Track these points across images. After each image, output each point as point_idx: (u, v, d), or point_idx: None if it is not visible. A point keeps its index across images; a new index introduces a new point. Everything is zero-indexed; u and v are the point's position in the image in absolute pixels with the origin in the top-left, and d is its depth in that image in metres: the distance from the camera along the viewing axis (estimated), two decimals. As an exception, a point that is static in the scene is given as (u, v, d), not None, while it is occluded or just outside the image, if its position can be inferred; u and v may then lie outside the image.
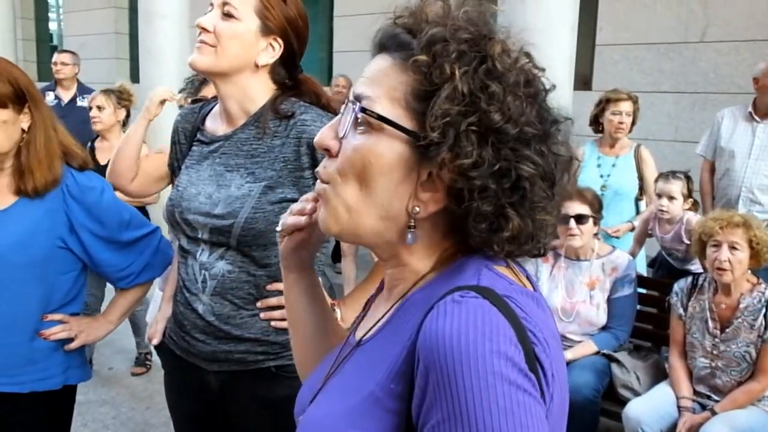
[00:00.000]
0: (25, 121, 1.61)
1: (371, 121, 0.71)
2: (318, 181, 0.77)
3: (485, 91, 0.67)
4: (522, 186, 0.68)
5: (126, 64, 11.58)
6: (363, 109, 0.71)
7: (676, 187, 3.26)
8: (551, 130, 0.72)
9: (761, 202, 3.66)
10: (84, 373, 1.85)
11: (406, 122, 0.70)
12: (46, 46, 12.80)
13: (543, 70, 0.74)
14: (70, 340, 1.75)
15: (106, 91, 3.76)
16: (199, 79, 2.49)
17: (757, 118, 3.66)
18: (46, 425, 1.75)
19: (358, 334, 0.82)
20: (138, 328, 3.74)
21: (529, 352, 0.62)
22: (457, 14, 0.71)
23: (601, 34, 6.50)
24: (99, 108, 3.67)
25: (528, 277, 0.77)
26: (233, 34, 1.38)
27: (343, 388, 0.75)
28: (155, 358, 4.01)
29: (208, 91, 2.30)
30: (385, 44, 0.75)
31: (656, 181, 3.36)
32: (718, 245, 2.51)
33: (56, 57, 5.41)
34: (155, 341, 1.59)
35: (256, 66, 1.41)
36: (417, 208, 0.71)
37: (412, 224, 0.71)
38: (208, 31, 1.38)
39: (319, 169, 0.77)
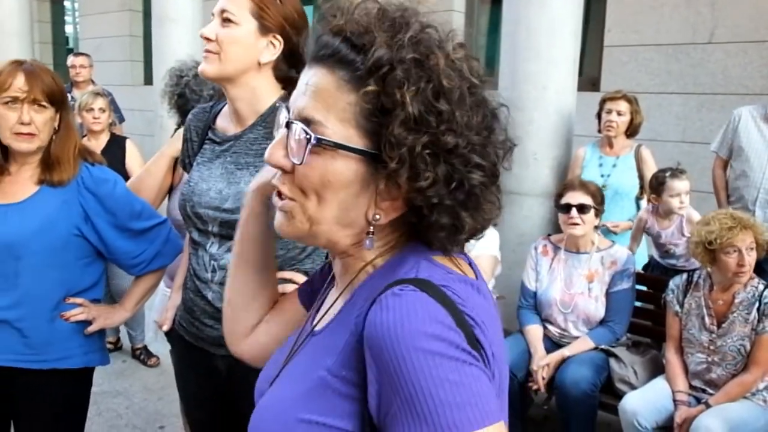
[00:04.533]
0: (56, 121, 1.79)
1: (326, 147, 0.73)
2: (276, 195, 0.80)
3: (434, 112, 0.70)
4: (473, 193, 0.73)
5: (140, 67, 11.75)
6: (318, 139, 0.72)
7: (686, 184, 3.32)
8: (494, 126, 0.75)
9: None
10: (103, 358, 1.97)
11: (359, 141, 0.72)
12: (62, 48, 13.01)
13: (477, 60, 0.75)
14: (89, 324, 1.87)
15: (104, 95, 3.90)
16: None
17: None
18: (65, 402, 1.87)
19: (315, 322, 0.86)
20: (134, 321, 3.85)
21: (469, 335, 0.67)
22: (398, 25, 0.72)
23: (609, 35, 6.55)
24: (102, 110, 3.80)
25: (470, 264, 0.82)
26: (233, 38, 1.46)
27: (295, 374, 0.80)
28: (167, 351, 4.14)
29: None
30: (323, 56, 0.75)
31: (658, 177, 3.38)
32: (737, 251, 2.54)
33: (73, 60, 5.55)
34: (165, 327, 1.69)
35: (259, 64, 1.49)
36: (378, 216, 0.75)
37: (371, 231, 0.76)
38: (211, 40, 1.48)
39: (276, 183, 0.79)
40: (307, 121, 0.74)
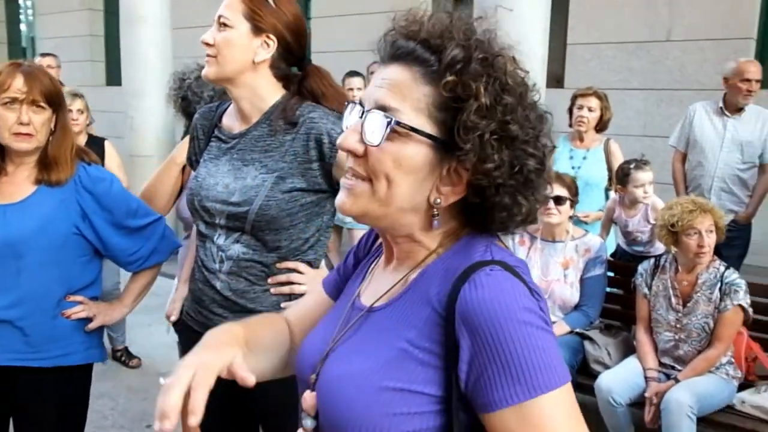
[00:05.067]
0: (53, 121, 1.82)
1: (399, 130, 0.82)
2: (346, 176, 0.88)
3: (501, 104, 0.80)
4: (530, 178, 0.84)
5: (101, 67, 11.59)
6: (397, 122, 0.82)
7: (650, 175, 3.50)
8: (543, 129, 0.87)
9: (732, 191, 3.93)
10: (103, 354, 2.01)
11: (430, 129, 0.82)
12: (17, 48, 12.75)
13: (528, 72, 0.87)
14: (90, 321, 1.91)
15: (82, 96, 3.88)
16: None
17: (727, 113, 3.91)
18: (68, 399, 1.91)
19: (366, 301, 0.93)
20: (115, 323, 3.82)
21: (540, 306, 0.79)
22: (468, 32, 0.83)
23: (572, 33, 6.76)
24: (80, 111, 3.78)
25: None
26: (228, 40, 1.55)
27: (366, 349, 0.87)
28: (148, 352, 4.15)
29: None
30: (400, 56, 0.85)
31: (623, 169, 3.53)
32: (697, 232, 2.70)
33: (40, 60, 5.47)
34: (173, 318, 1.75)
35: (254, 63, 1.56)
36: (438, 200, 0.84)
37: (436, 213, 0.85)
38: (210, 44, 1.57)
39: (351, 165, 0.87)
40: (384, 109, 0.83)
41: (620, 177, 3.54)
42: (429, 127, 0.83)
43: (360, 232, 4.76)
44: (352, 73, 4.75)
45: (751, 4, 5.90)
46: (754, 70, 3.84)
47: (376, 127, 0.83)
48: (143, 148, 6.26)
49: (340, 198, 0.89)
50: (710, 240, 2.71)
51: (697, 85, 6.00)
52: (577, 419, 0.77)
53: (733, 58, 4.37)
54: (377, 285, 0.95)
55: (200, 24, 10.25)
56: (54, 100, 1.82)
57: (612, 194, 3.84)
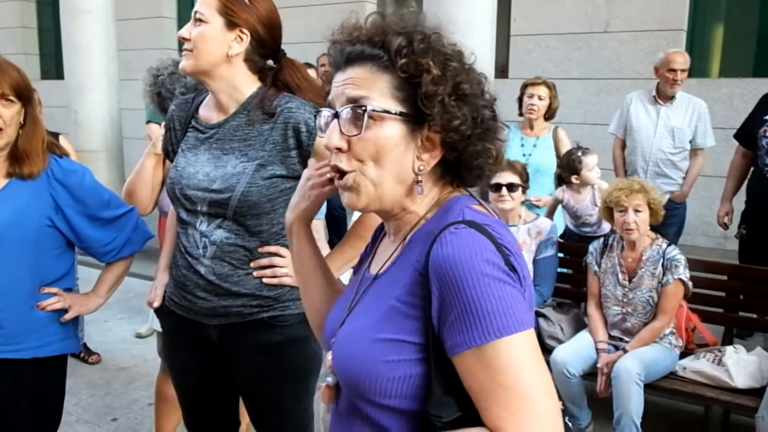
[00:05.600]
0: (22, 114, 1.82)
1: (374, 115, 0.93)
2: (338, 175, 0.98)
3: (449, 70, 0.94)
4: (488, 125, 0.98)
5: (36, 60, 11.17)
6: (373, 110, 0.93)
7: (596, 157, 3.71)
8: (484, 86, 1.00)
9: (666, 174, 4.17)
10: (77, 344, 2.03)
11: (398, 107, 0.94)
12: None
13: (455, 43, 1.00)
14: (65, 312, 1.92)
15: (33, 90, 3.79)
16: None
17: (660, 101, 4.15)
18: (45, 389, 1.92)
19: (373, 270, 1.05)
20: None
21: (507, 261, 0.87)
22: (403, 23, 0.97)
23: (515, 24, 6.95)
24: None
25: (494, 211, 1.04)
26: (203, 35, 1.61)
27: (366, 309, 0.99)
28: (106, 348, 4.11)
29: None
30: (353, 59, 0.97)
31: (573, 159, 3.72)
32: (624, 210, 2.92)
33: (-21, 54, 5.28)
34: (156, 304, 1.79)
35: (228, 56, 1.62)
36: (421, 167, 0.96)
37: (419, 179, 0.97)
38: (186, 39, 1.63)
39: (337, 163, 0.97)
40: (355, 101, 0.95)
41: (572, 166, 3.70)
42: (397, 107, 0.95)
43: (315, 222, 4.80)
44: (305, 65, 4.78)
45: (681, -3, 6.22)
46: (680, 61, 4.07)
47: (352, 119, 0.95)
48: (89, 143, 6.12)
49: (345, 199, 0.99)
50: (637, 218, 2.90)
51: (634, 75, 6.28)
52: (535, 364, 0.84)
53: (666, 48, 4.64)
54: (382, 256, 1.06)
55: (144, 15, 10.02)
56: (23, 93, 1.81)
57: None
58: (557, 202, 3.88)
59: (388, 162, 0.95)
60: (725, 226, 3.94)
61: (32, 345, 1.87)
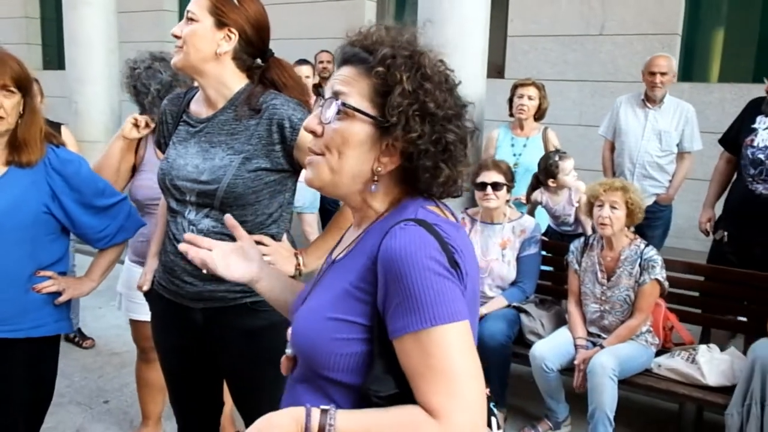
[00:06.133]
0: (22, 104, 1.90)
1: (348, 111, 1.04)
2: (309, 156, 1.10)
3: (422, 89, 1.02)
4: (449, 148, 1.05)
5: (38, 50, 11.25)
6: (344, 104, 1.04)
7: (572, 161, 3.81)
8: (462, 111, 1.08)
9: (653, 177, 4.25)
10: (70, 326, 2.12)
11: (371, 111, 1.03)
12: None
13: (453, 71, 1.10)
14: (59, 295, 2.01)
15: (35, 80, 3.83)
16: (164, 94, 2.68)
17: (648, 104, 4.23)
18: (39, 367, 2.02)
19: (335, 255, 1.16)
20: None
21: (450, 258, 0.96)
22: (398, 37, 1.06)
23: (512, 25, 7.03)
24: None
25: (452, 213, 1.13)
26: (193, 33, 1.70)
27: (325, 290, 1.09)
28: (100, 333, 4.20)
29: None
30: (348, 59, 1.08)
31: (550, 165, 3.77)
32: (601, 205, 3.01)
33: (-17, 43, 5.35)
34: (145, 288, 1.88)
35: (217, 54, 1.71)
36: (380, 168, 1.05)
37: (376, 179, 1.06)
38: (178, 36, 1.72)
39: (310, 145, 1.09)
40: (337, 94, 1.06)
41: (550, 171, 3.78)
42: (370, 110, 1.04)
43: (309, 215, 4.92)
44: (301, 61, 4.87)
45: (676, 1, 6.29)
46: (661, 64, 4.13)
47: (330, 109, 1.06)
48: (89, 133, 6.20)
49: (306, 174, 1.11)
50: (612, 214, 2.98)
51: (629, 78, 6.35)
52: (465, 351, 0.93)
53: (660, 52, 4.72)
54: (344, 244, 1.17)
55: (144, 8, 10.09)
56: (23, 84, 1.90)
57: None
58: (535, 204, 3.97)
59: (350, 156, 1.05)
60: (707, 233, 3.91)
61: (27, 325, 1.96)
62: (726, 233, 3.61)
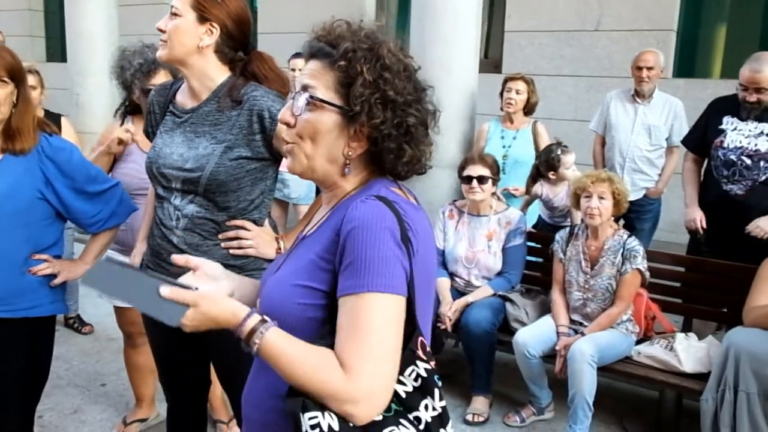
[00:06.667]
0: (15, 94, 1.98)
1: (316, 103, 1.13)
2: (285, 143, 1.18)
3: (382, 78, 1.10)
4: (410, 131, 1.14)
5: (41, 42, 11.34)
6: (311, 96, 1.13)
7: (573, 156, 3.87)
8: (422, 96, 1.18)
9: (642, 171, 4.32)
10: (65, 307, 2.22)
11: (337, 101, 1.12)
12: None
13: (412, 57, 1.18)
14: (54, 277, 2.10)
15: (35, 72, 3.90)
16: (146, 69, 2.78)
17: (638, 99, 4.30)
18: (35, 346, 2.11)
19: (305, 232, 1.25)
20: (68, 292, 3.97)
21: (404, 234, 1.05)
22: (358, 31, 1.14)
23: (509, 21, 7.08)
24: (33, 88, 3.80)
25: (415, 197, 1.23)
26: (176, 27, 1.80)
27: (293, 261, 1.18)
28: (99, 320, 4.30)
29: (157, 79, 2.60)
30: (314, 54, 1.17)
31: (552, 157, 3.85)
32: (589, 196, 3.09)
33: (-13, 35, 5.45)
34: (134, 270, 1.97)
35: (199, 48, 1.80)
36: (350, 153, 1.14)
37: (348, 162, 1.15)
38: (162, 31, 1.82)
39: (284, 136, 1.18)
40: (305, 88, 1.15)
41: (551, 164, 3.84)
42: (336, 100, 1.13)
43: (304, 207, 5.00)
44: (297, 55, 4.94)
45: (672, -1, 6.35)
46: (648, 59, 4.21)
47: (300, 102, 1.15)
48: (90, 125, 6.30)
49: (288, 162, 1.21)
50: (600, 205, 3.07)
51: (624, 73, 6.32)
52: (388, 322, 1.01)
53: (656, 48, 4.77)
54: (314, 221, 1.26)
55: (146, 2, 10.14)
56: (16, 75, 1.98)
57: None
58: (534, 197, 4.04)
59: (322, 143, 1.14)
60: (698, 231, 3.56)
61: (24, 306, 2.05)
62: (703, 236, 3.55)
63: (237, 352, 1.88)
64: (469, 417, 3.22)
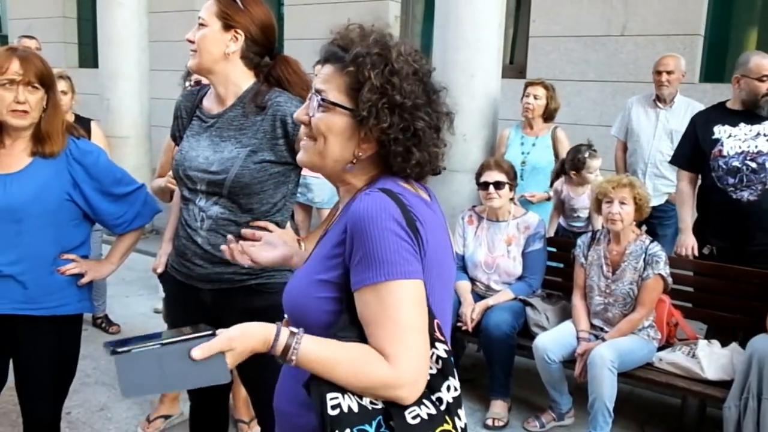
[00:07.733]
0: (45, 100, 2.06)
1: (328, 105, 1.17)
2: (302, 139, 1.24)
3: (390, 83, 1.13)
4: (418, 134, 1.16)
5: (74, 49, 11.61)
6: (323, 99, 1.17)
7: (600, 161, 3.89)
8: (434, 98, 1.19)
9: (665, 176, 4.28)
10: (92, 306, 2.28)
11: (348, 104, 1.15)
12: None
13: (425, 61, 1.20)
14: (82, 277, 2.17)
15: (66, 77, 4.00)
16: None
17: (659, 104, 4.27)
18: (62, 344, 2.18)
19: (324, 231, 1.29)
20: (96, 292, 4.06)
21: (410, 223, 1.08)
22: (369, 36, 1.17)
23: (533, 26, 7.07)
24: (64, 93, 3.90)
25: (426, 191, 1.26)
26: (204, 37, 1.87)
27: (312, 258, 1.23)
28: (126, 320, 4.40)
29: None
30: (328, 58, 1.20)
31: (578, 158, 3.86)
32: (611, 201, 3.08)
33: (24, 42, 5.59)
34: (159, 270, 2.04)
35: (226, 55, 1.86)
36: (360, 154, 1.18)
37: (354, 161, 1.19)
38: (192, 41, 1.89)
39: (301, 133, 1.24)
40: (318, 92, 1.20)
41: (576, 164, 3.86)
42: (347, 103, 1.16)
43: (327, 211, 5.06)
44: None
45: (699, 2, 6.27)
46: (667, 63, 4.20)
47: (313, 104, 1.20)
48: (119, 129, 6.45)
49: (299, 155, 1.26)
50: (621, 210, 3.06)
51: (650, 78, 6.25)
52: (413, 305, 1.05)
53: (682, 53, 4.73)
54: (333, 218, 1.31)
55: (176, 8, 10.32)
56: (46, 81, 2.06)
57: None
58: (559, 194, 4.03)
59: (333, 143, 1.19)
60: (694, 257, 3.47)
61: (52, 305, 2.12)
62: (714, 248, 3.45)
63: (260, 354, 1.95)
64: (489, 422, 3.23)
